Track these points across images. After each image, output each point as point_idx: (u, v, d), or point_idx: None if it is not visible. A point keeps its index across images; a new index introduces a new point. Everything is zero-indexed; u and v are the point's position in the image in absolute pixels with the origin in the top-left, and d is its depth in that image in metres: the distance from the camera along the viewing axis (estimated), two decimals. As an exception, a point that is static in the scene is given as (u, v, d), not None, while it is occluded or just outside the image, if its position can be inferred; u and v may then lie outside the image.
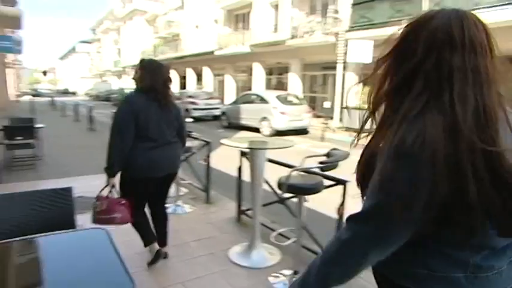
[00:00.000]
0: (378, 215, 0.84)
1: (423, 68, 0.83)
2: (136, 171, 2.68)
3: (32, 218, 2.22)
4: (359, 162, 0.97)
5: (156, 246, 2.92)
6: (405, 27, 0.90)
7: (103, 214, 2.62)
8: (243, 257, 3.27)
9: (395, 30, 0.92)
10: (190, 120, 5.68)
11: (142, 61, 2.82)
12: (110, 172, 2.65)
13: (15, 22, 16.49)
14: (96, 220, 2.65)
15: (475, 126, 0.77)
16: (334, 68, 14.94)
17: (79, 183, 3.20)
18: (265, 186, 3.54)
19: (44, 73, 29.81)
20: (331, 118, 14.03)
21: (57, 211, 2.30)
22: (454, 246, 0.85)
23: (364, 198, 0.90)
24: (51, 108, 22.75)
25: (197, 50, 26.13)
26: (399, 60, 0.89)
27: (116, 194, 2.72)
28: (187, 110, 15.33)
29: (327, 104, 14.99)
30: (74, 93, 58.06)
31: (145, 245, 2.91)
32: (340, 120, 14.16)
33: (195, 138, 4.84)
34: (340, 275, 0.91)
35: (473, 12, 0.86)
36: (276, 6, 19.55)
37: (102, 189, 2.71)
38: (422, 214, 0.80)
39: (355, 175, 0.99)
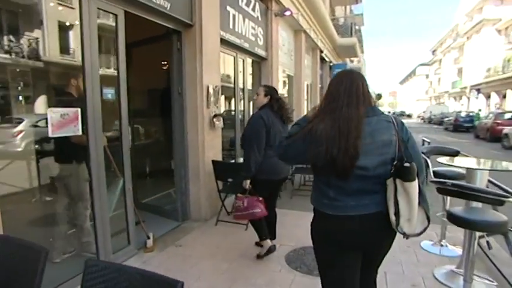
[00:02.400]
0: (287, 149, 1.78)
1: (330, 93, 1.70)
2: (261, 174, 3.26)
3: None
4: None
5: (269, 242, 3.47)
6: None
7: (244, 211, 3.25)
8: None
9: None
10: None
11: (268, 87, 3.53)
12: (248, 174, 3.26)
13: (351, 51, 18.10)
14: (236, 217, 3.42)
15: (345, 122, 1.56)
16: None
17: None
18: None
19: (378, 97, 31.38)
20: None
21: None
22: (323, 183, 1.68)
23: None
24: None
25: None
26: (327, 90, 1.75)
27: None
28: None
29: None
30: (409, 116, 59.02)
31: (261, 240, 3.51)
32: None
33: None
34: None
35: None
36: None
37: (244, 190, 3.32)
38: (299, 157, 1.80)
39: None
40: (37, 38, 10.61)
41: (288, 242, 3.78)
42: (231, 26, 5.49)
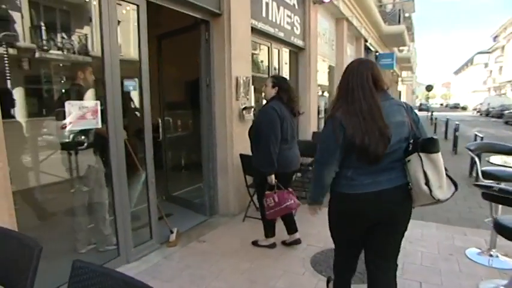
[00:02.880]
0: (321, 149, 1.88)
1: (344, 85, 1.84)
2: (278, 168, 3.17)
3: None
4: None
5: (272, 240, 3.53)
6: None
7: (276, 206, 3.16)
8: None
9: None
10: None
11: (276, 77, 3.43)
12: (272, 169, 3.14)
13: (398, 40, 17.07)
14: (269, 215, 3.25)
15: (368, 112, 1.72)
16: None
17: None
18: None
19: (428, 88, 29.48)
20: None
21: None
22: (343, 165, 1.83)
23: None
24: (428, 124, 22.00)
25: None
26: (340, 82, 1.89)
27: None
28: None
29: None
30: (464, 108, 54.97)
31: (266, 237, 3.54)
32: None
33: None
34: (321, 181, 1.91)
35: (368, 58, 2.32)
36: None
37: (268, 187, 3.20)
38: (335, 147, 1.78)
39: None
40: (86, 34, 11.07)
41: (316, 243, 3.56)
42: (263, 15, 5.28)
